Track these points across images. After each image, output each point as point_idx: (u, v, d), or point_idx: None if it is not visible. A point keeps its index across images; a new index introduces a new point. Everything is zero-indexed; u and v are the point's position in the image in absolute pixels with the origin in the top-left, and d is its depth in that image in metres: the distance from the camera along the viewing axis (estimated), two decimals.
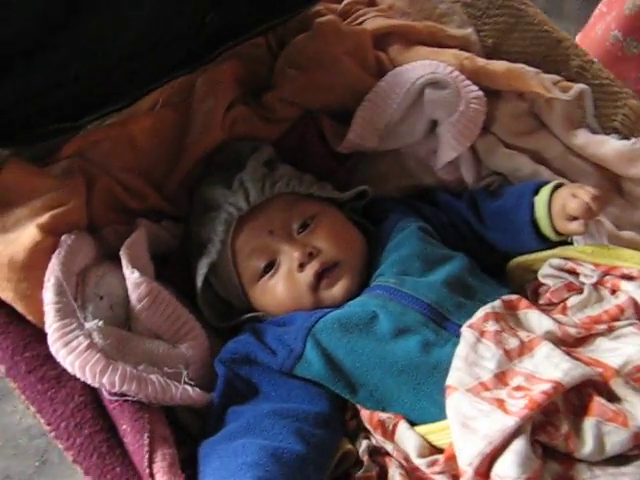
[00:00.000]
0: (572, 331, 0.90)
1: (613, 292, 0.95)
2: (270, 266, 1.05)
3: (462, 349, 0.87)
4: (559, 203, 1.00)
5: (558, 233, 1.02)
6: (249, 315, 1.08)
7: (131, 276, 0.96)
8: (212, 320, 1.08)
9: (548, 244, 1.04)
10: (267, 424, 0.88)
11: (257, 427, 0.88)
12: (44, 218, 0.97)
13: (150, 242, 1.06)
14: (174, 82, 1.12)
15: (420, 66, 1.11)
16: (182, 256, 1.13)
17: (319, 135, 1.19)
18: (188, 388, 0.92)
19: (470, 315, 0.92)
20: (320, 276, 1.03)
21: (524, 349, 0.87)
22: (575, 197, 0.98)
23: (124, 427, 0.84)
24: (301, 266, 1.02)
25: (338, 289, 1.03)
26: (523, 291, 1.03)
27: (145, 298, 0.95)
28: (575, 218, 0.98)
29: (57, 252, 0.94)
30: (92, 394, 0.89)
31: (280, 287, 1.04)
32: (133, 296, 0.95)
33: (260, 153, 1.12)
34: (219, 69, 1.15)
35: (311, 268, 1.03)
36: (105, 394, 0.87)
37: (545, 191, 1.04)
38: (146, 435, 0.83)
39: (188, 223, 1.14)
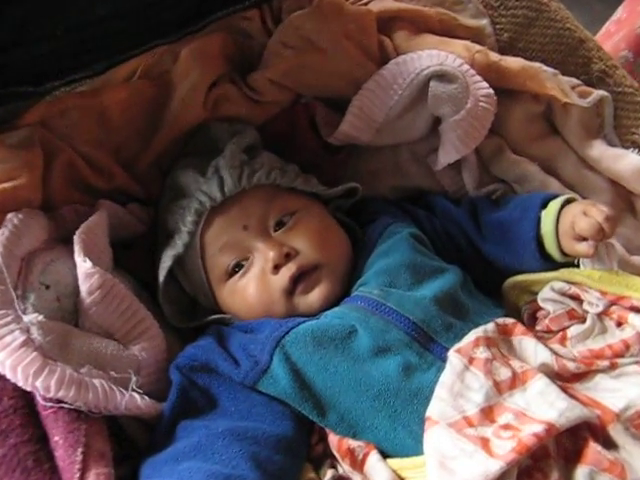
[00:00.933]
0: (570, 365, 0.85)
1: (619, 324, 0.90)
2: (241, 265, 0.99)
3: (447, 376, 0.82)
4: (568, 220, 0.94)
5: (564, 253, 0.96)
6: (215, 317, 1.02)
7: (83, 265, 0.88)
8: (173, 319, 1.02)
9: (551, 265, 0.97)
10: (220, 446, 0.81)
11: (208, 449, 0.81)
12: None
13: (112, 227, 1.00)
14: (155, 51, 1.06)
15: (427, 56, 1.05)
16: (148, 244, 1.08)
17: (310, 123, 1.13)
18: (136, 396, 0.85)
19: (459, 337, 0.86)
20: (296, 280, 0.96)
21: (516, 382, 0.82)
22: (586, 215, 0.92)
23: (56, 439, 0.76)
24: (276, 267, 0.96)
25: (315, 296, 0.97)
26: (518, 313, 0.99)
27: (97, 291, 0.88)
28: (584, 239, 0.92)
29: (0, 232, 0.87)
30: (24, 398, 0.80)
31: (250, 289, 0.98)
32: (83, 288, 0.88)
33: (242, 137, 1.06)
34: (206, 41, 1.08)
35: (287, 271, 0.96)
36: (39, 399, 0.79)
37: (554, 205, 0.97)
38: (80, 450, 0.75)
39: (157, 209, 1.08)
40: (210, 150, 1.04)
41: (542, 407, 0.77)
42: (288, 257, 0.96)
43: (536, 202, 0.99)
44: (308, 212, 1.02)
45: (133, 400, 0.84)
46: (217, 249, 1.00)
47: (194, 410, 0.88)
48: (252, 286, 0.98)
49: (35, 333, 0.81)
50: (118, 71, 1.04)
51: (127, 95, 1.04)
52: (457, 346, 0.85)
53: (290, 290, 0.96)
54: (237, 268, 0.99)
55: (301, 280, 0.96)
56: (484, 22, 1.16)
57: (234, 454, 0.80)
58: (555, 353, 0.86)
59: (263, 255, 0.98)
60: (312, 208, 1.04)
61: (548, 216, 0.97)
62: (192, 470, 0.77)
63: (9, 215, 0.89)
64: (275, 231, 1.00)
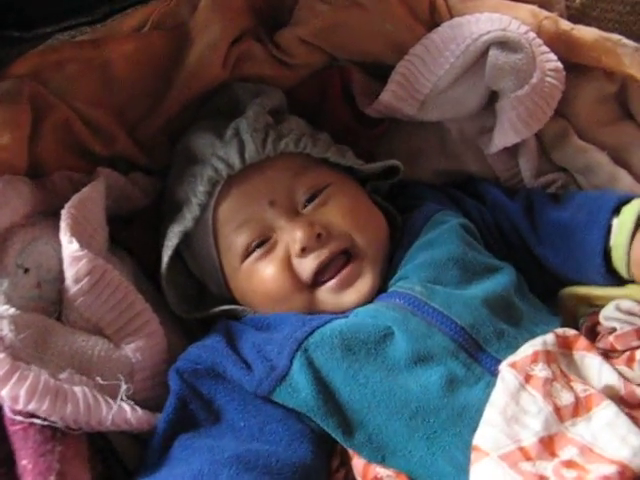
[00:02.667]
0: None
1: None
2: (261, 244, 0.91)
3: (500, 396, 0.74)
4: None
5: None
6: (225, 307, 0.94)
7: (68, 246, 0.79)
8: (177, 307, 0.94)
9: (614, 280, 0.90)
10: (225, 477, 0.71)
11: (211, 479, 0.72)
12: None
13: (112, 198, 0.93)
14: None
15: (487, 19, 0.96)
16: (152, 219, 1.00)
17: (343, 91, 1.06)
18: (125, 408, 0.75)
19: (512, 347, 0.78)
20: (324, 269, 0.88)
21: (579, 408, 0.74)
22: None
23: (24, 463, 0.66)
24: (303, 250, 0.87)
25: (352, 295, 0.88)
26: (575, 324, 0.91)
27: (84, 278, 0.79)
28: None
29: None
30: None
31: (270, 273, 0.89)
32: (69, 273, 0.79)
33: (267, 97, 0.98)
34: None
35: (316, 257, 0.87)
36: (7, 411, 0.69)
37: (629, 212, 0.89)
38: (51, 479, 0.65)
39: (165, 180, 1.00)
40: (230, 112, 0.96)
41: (612, 443, 0.69)
42: (319, 239, 0.87)
43: (608, 205, 0.92)
44: (342, 187, 0.94)
45: (122, 413, 0.75)
46: (235, 226, 0.91)
47: (195, 425, 0.80)
48: (272, 270, 0.89)
49: (6, 329, 0.72)
50: (125, 20, 0.97)
51: (135, 48, 0.96)
52: (511, 359, 0.77)
53: (315, 281, 0.88)
54: (257, 248, 0.91)
55: (332, 272, 0.88)
56: None
57: None
58: (623, 376, 0.78)
59: (289, 235, 0.89)
60: (347, 184, 0.95)
61: (622, 227, 0.89)
62: None
63: None
64: (304, 207, 0.92)
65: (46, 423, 0.69)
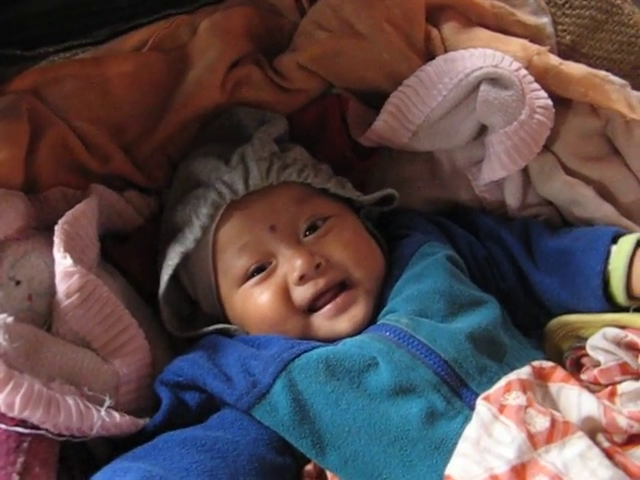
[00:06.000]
0: (622, 421, 0.75)
1: None
2: (260, 269, 0.91)
3: (472, 429, 0.73)
4: None
5: (631, 297, 0.89)
6: (218, 326, 0.93)
7: (62, 262, 0.78)
8: (171, 327, 0.94)
9: (609, 307, 0.90)
10: (176, 453, 0.73)
11: (162, 453, 0.74)
12: None
13: (105, 216, 0.93)
14: (171, 21, 0.98)
15: (480, 55, 0.96)
16: (146, 238, 1.00)
17: (341, 119, 1.05)
18: (114, 413, 0.76)
19: (493, 382, 0.77)
20: (319, 297, 0.88)
21: (554, 433, 0.73)
22: None
23: None
24: (301, 278, 0.87)
25: (345, 322, 0.88)
26: (560, 359, 0.91)
27: (76, 293, 0.78)
28: None
29: None
30: None
31: (267, 298, 0.89)
32: (61, 288, 0.79)
33: (272, 125, 0.99)
34: (230, 15, 1.00)
35: (313, 285, 0.88)
36: None
37: (627, 242, 0.90)
38: None
39: (164, 197, 1.02)
40: (234, 137, 0.97)
41: (582, 474, 0.68)
42: (318, 268, 0.88)
43: (606, 235, 0.92)
44: (342, 219, 0.94)
45: (112, 417, 0.75)
46: (236, 249, 0.91)
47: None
48: (270, 295, 0.89)
49: (0, 337, 0.71)
50: (126, 40, 0.97)
51: (134, 67, 0.97)
52: (486, 393, 0.76)
53: (310, 308, 0.88)
54: (256, 272, 0.91)
55: (328, 298, 0.88)
56: (545, 20, 1.06)
57: (188, 464, 0.71)
58: (604, 404, 0.77)
59: (289, 262, 0.89)
60: (346, 216, 0.96)
61: (620, 252, 0.89)
62: (131, 469, 0.69)
63: None
64: (305, 236, 0.92)
65: (12, 430, 0.68)
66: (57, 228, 0.82)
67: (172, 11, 0.95)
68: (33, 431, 0.69)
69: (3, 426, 0.68)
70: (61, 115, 0.93)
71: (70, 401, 0.72)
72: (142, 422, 0.79)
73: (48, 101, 0.93)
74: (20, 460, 0.68)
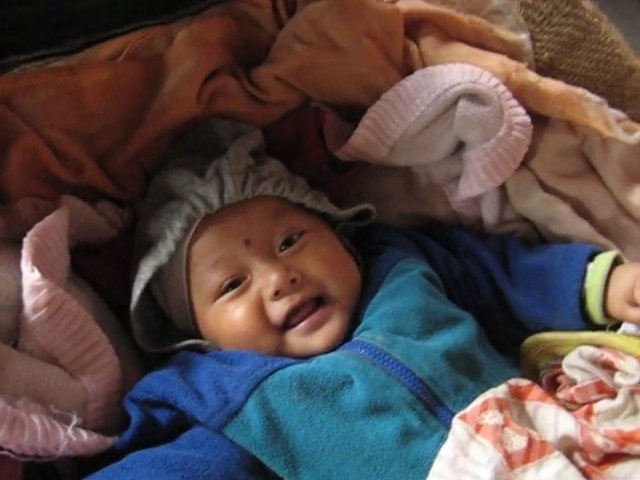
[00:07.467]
0: (598, 440, 0.74)
1: None
2: (235, 284, 0.89)
3: (448, 449, 0.73)
4: (627, 282, 0.86)
5: (607, 315, 0.89)
6: (190, 342, 0.92)
7: (30, 275, 0.77)
8: (142, 342, 0.92)
9: (585, 325, 0.90)
10: (144, 474, 0.72)
11: (130, 473, 0.72)
12: None
13: (76, 227, 0.92)
14: (147, 31, 0.97)
15: (458, 70, 0.96)
16: (118, 250, 0.99)
17: (318, 132, 1.05)
18: (81, 432, 0.74)
19: (469, 401, 0.77)
20: (294, 313, 0.87)
21: (531, 453, 0.72)
22: None
23: None
24: (276, 294, 0.87)
25: (320, 338, 0.87)
26: (536, 377, 0.91)
27: (43, 308, 0.77)
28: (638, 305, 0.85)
29: None
30: None
31: (241, 314, 0.88)
32: (28, 303, 0.77)
33: (247, 138, 0.98)
34: (207, 26, 0.99)
35: (288, 300, 0.87)
36: None
37: (603, 261, 0.90)
38: None
39: (138, 208, 1.01)
40: (210, 150, 0.96)
41: None
42: (293, 284, 0.87)
43: (582, 253, 0.92)
44: (318, 234, 0.94)
45: (79, 437, 0.73)
46: (210, 263, 0.90)
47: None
48: (244, 311, 0.88)
49: None
50: (101, 49, 0.96)
51: (108, 77, 0.95)
52: (462, 412, 0.76)
53: (286, 324, 0.87)
54: (230, 287, 0.90)
55: (303, 315, 0.87)
56: (523, 37, 1.05)
57: None
58: (581, 424, 0.76)
59: (264, 277, 0.88)
60: (322, 230, 0.95)
61: (597, 270, 0.89)
62: None
63: None
64: (281, 251, 0.91)
65: None
66: (26, 240, 0.80)
67: (149, 22, 0.93)
68: None
69: None
70: (33, 124, 0.92)
71: (35, 420, 0.71)
72: (110, 441, 0.77)
73: (20, 110, 0.92)
74: None
